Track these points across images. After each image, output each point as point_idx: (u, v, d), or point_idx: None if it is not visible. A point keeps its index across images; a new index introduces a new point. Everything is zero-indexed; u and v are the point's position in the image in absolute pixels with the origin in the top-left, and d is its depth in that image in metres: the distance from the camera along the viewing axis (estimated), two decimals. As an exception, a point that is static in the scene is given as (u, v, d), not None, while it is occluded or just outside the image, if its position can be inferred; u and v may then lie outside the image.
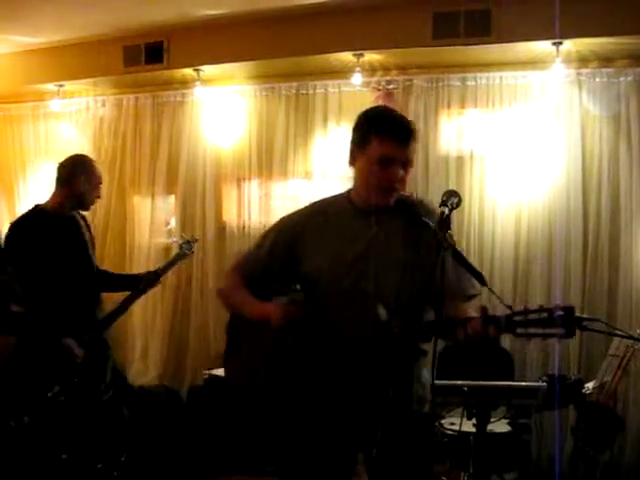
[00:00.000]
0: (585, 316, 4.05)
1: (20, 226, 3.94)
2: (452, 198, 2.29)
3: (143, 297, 6.09)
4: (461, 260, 2.26)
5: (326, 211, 2.57)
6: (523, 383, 3.85)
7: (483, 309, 2.15)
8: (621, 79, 5.03)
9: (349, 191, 2.58)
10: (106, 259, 6.45)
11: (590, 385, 3.93)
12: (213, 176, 6.06)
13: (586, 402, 3.78)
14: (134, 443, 4.76)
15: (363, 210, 2.48)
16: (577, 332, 3.62)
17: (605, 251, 5.06)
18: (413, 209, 2.44)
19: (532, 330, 2.04)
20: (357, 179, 2.52)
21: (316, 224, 2.54)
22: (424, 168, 5.36)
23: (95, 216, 6.45)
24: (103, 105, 6.52)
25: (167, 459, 5.01)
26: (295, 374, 2.43)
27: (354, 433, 2.40)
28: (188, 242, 4.60)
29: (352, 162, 2.51)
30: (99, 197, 4.14)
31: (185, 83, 6.07)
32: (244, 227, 5.97)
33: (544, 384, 3.51)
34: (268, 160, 5.90)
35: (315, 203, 2.69)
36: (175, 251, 4.72)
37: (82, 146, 6.59)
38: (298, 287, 2.58)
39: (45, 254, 3.83)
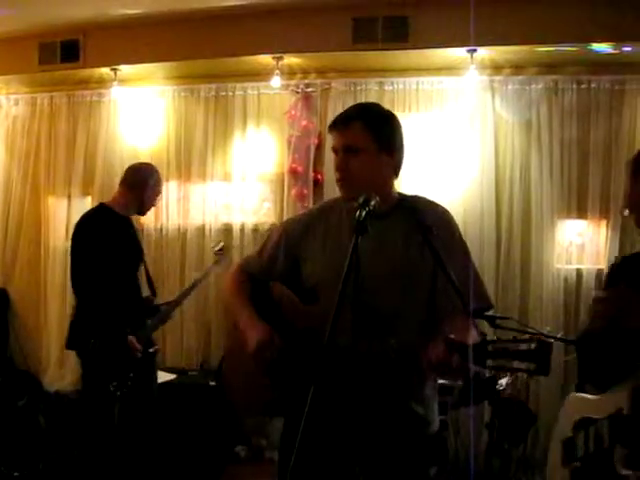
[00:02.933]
0: (498, 315, 4.21)
1: (86, 222, 4.06)
2: (370, 200, 2.17)
3: (59, 298, 5.99)
4: (461, 276, 2.15)
5: (329, 213, 2.46)
6: (439, 381, 3.93)
7: (448, 337, 2.00)
8: (532, 86, 5.23)
9: None
10: (20, 261, 6.31)
11: (504, 382, 4.05)
12: None
13: (500, 398, 3.90)
14: (51, 450, 4.66)
15: (351, 210, 2.25)
16: (491, 330, 3.75)
17: (517, 252, 5.24)
18: (417, 213, 2.31)
19: (500, 362, 1.89)
20: None
21: (317, 227, 2.45)
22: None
23: (8, 217, 6.31)
24: (16, 104, 6.35)
25: (86, 466, 4.91)
26: (289, 384, 2.34)
27: (348, 446, 2.28)
28: (221, 250, 4.69)
29: None
30: (154, 206, 4.28)
31: (102, 82, 5.97)
32: (162, 229, 5.90)
33: (459, 382, 3.60)
34: (187, 162, 5.87)
35: (322, 203, 2.61)
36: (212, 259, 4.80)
37: (-6, 145, 6.42)
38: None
39: (108, 250, 3.92)
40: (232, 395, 2.60)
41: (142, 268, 4.27)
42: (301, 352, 2.32)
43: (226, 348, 2.67)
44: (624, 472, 1.96)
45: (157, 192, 4.21)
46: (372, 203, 2.12)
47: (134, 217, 4.28)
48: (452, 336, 2.00)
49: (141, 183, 4.11)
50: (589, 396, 2.27)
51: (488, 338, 1.93)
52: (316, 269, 2.40)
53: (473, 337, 2.03)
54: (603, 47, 4.78)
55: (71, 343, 4.03)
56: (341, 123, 2.33)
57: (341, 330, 1.98)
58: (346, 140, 2.31)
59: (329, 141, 5.47)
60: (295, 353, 2.34)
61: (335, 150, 2.35)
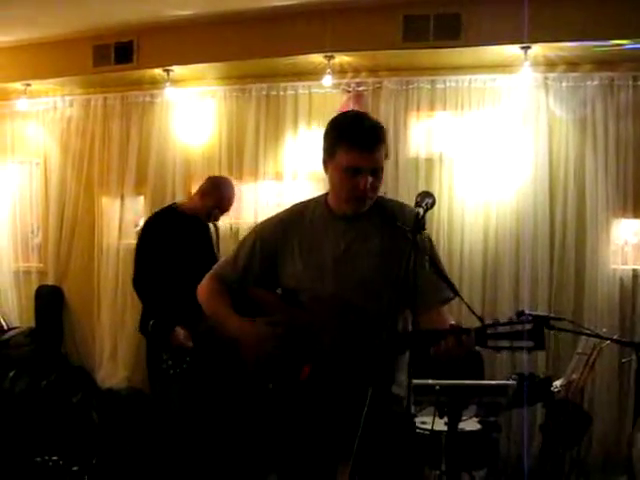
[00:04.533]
0: (552, 315, 4.16)
1: (152, 220, 4.44)
2: (426, 199, 2.27)
3: (111, 296, 6.14)
4: (434, 266, 2.28)
5: (304, 216, 2.52)
6: (493, 382, 3.90)
7: (454, 325, 2.17)
8: (587, 83, 5.13)
9: (326, 195, 2.52)
10: (74, 260, 6.43)
11: (558, 383, 3.98)
12: (183, 177, 6.04)
13: (554, 400, 3.83)
14: (104, 446, 4.73)
15: (339, 215, 2.44)
16: (545, 331, 3.70)
17: (571, 252, 5.15)
18: (389, 212, 2.41)
19: (502, 343, 2.08)
20: (330, 185, 2.47)
21: (294, 229, 2.50)
22: (394, 169, 5.40)
23: (63, 217, 6.43)
24: (71, 105, 6.47)
25: (138, 461, 4.98)
26: (278, 383, 2.42)
27: (334, 443, 2.37)
28: None
29: (325, 169, 2.45)
30: (224, 212, 4.52)
31: (155, 83, 6.04)
32: (215, 229, 5.94)
33: (513, 382, 3.55)
34: (238, 161, 5.90)
35: (294, 207, 2.62)
36: None
37: (49, 146, 6.55)
38: (279, 291, 2.56)
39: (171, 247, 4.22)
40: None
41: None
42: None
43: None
44: None
45: (224, 202, 4.43)
46: (430, 202, 2.26)
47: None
48: (453, 322, 2.18)
49: (205, 193, 4.38)
50: None
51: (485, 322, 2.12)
52: (296, 271, 2.46)
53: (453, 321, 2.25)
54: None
55: (140, 327, 4.37)
56: (371, 147, 2.32)
57: (327, 328, 2.14)
58: (375, 162, 2.33)
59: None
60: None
61: (358, 169, 2.32)
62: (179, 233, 4.23)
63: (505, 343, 2.07)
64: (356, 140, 2.31)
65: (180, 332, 4.10)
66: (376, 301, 2.34)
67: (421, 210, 2.20)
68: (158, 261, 4.16)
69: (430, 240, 2.47)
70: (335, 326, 2.29)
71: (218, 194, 4.33)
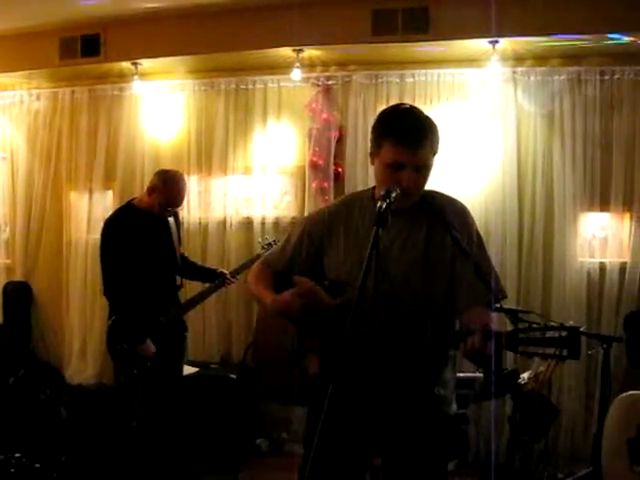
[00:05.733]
0: (520, 309, 4.19)
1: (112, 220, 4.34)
2: (391, 193, 2.23)
3: (80, 292, 6.11)
4: (478, 269, 2.24)
5: (352, 207, 2.50)
6: (460, 374, 3.91)
7: (485, 326, 2.13)
8: (555, 77, 5.17)
9: (374, 187, 2.49)
10: (42, 256, 6.36)
11: (526, 375, 4.02)
12: (151, 171, 5.83)
13: (521, 392, 3.87)
14: (73, 443, 4.70)
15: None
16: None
17: (539, 245, 5.20)
18: (437, 207, 2.37)
19: (534, 349, 2.04)
20: (375, 178, 2.44)
21: (341, 221, 2.48)
22: (363, 164, 5.41)
23: (31, 212, 6.36)
24: (38, 99, 6.39)
25: (107, 458, 4.95)
26: (318, 375, 2.40)
27: (372, 436, 2.33)
28: (269, 244, 4.76)
29: (371, 160, 2.42)
30: (176, 207, 4.41)
31: (123, 77, 5.99)
32: (183, 223, 5.90)
33: (480, 375, 3.58)
34: (207, 155, 5.87)
35: (344, 198, 2.62)
36: (257, 251, 4.92)
37: (16, 140, 6.46)
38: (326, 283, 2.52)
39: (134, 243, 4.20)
40: (261, 381, 2.66)
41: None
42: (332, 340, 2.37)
43: (255, 337, 2.70)
44: None
45: (172, 198, 4.32)
46: (393, 195, 2.19)
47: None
48: (487, 325, 2.11)
49: (162, 190, 4.27)
50: None
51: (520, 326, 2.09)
52: (340, 263, 2.44)
53: (496, 324, 2.16)
54: (624, 37, 4.72)
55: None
56: (416, 144, 2.29)
57: (367, 322, 2.04)
58: (421, 159, 2.31)
59: (351, 134, 5.48)
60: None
61: (402, 165, 2.30)
62: (137, 230, 4.21)
63: (536, 350, 2.04)
64: (401, 136, 2.29)
65: (150, 346, 4.12)
66: (418, 297, 2.32)
67: (384, 204, 2.18)
68: (122, 262, 4.14)
69: (479, 237, 2.45)
70: (377, 320, 2.17)
71: (167, 190, 4.25)
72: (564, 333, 2.00)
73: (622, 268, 5.09)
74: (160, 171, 4.44)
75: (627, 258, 5.09)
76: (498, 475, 4.37)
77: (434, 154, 2.36)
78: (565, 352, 1.99)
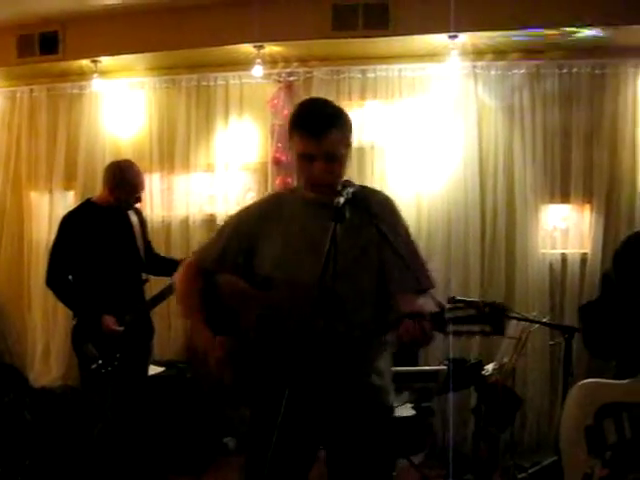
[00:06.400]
0: (483, 300, 4.22)
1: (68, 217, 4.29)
2: (348, 188, 2.27)
3: (42, 292, 6.02)
4: (404, 258, 2.26)
5: (281, 202, 2.54)
6: (424, 367, 3.95)
7: (416, 309, 2.16)
8: (514, 71, 5.22)
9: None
10: (3, 257, 6.27)
11: (490, 367, 4.06)
12: None
13: (485, 383, 3.90)
14: (38, 446, 4.64)
15: (312, 201, 2.44)
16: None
17: (502, 238, 5.26)
18: (361, 199, 2.38)
19: (461, 327, 2.08)
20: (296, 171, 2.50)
21: (271, 216, 2.51)
22: (326, 159, 5.41)
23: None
24: (-5, 98, 6.30)
25: (72, 461, 4.90)
26: (255, 371, 2.41)
27: (312, 428, 2.38)
28: None
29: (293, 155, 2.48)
30: (134, 193, 4.28)
31: (82, 75, 5.90)
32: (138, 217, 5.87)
33: (444, 367, 3.60)
34: (169, 153, 5.83)
35: (272, 194, 2.66)
36: None
37: (-26, 140, 6.35)
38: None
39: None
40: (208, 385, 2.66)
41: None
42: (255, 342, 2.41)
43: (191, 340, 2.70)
44: None
45: (127, 186, 4.24)
46: (351, 191, 2.24)
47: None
48: (413, 308, 2.17)
49: (117, 184, 4.22)
50: (614, 381, 2.25)
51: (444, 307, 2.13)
52: (271, 259, 2.45)
53: (430, 305, 2.21)
54: (582, 31, 4.78)
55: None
56: (320, 133, 2.33)
57: (306, 314, 2.11)
58: (328, 148, 2.33)
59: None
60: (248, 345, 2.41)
61: (311, 155, 2.34)
62: (95, 227, 4.17)
63: (463, 328, 2.07)
64: (306, 126, 2.34)
65: (108, 318, 4.06)
66: (349, 288, 2.32)
67: (342, 199, 2.19)
68: (76, 257, 4.11)
69: (405, 226, 2.47)
70: (310, 312, 2.22)
71: (121, 183, 4.19)
72: (487, 309, 2.05)
73: (583, 259, 5.16)
74: (109, 164, 4.39)
75: (588, 249, 5.17)
76: (465, 466, 4.40)
77: (346, 145, 2.40)
78: (489, 328, 2.04)
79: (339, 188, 2.26)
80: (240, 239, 2.53)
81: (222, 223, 2.77)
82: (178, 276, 2.65)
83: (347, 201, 2.20)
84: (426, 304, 2.23)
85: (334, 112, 2.41)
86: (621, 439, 2.12)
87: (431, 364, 4.72)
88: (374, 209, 2.36)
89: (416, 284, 2.30)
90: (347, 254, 2.32)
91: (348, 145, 2.41)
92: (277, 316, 2.37)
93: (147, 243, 4.55)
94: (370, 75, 5.42)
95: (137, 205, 4.50)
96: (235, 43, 5.24)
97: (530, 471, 4.16)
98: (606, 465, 2.13)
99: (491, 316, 2.05)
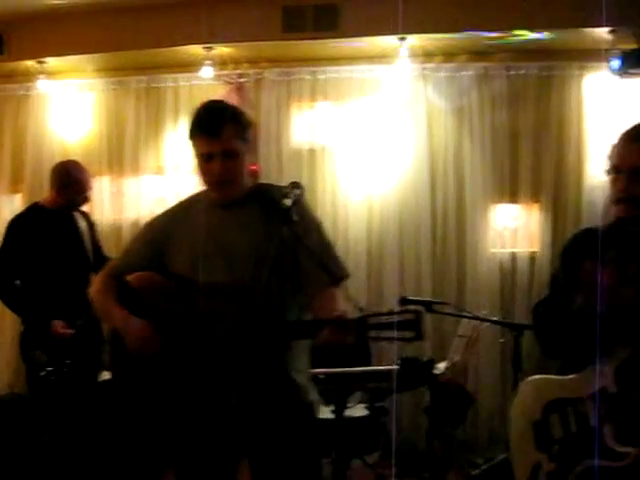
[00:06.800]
0: (436, 300, 4.26)
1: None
2: (295, 190, 2.29)
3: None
4: (315, 253, 2.28)
5: (189, 208, 2.56)
6: (376, 367, 3.96)
7: (337, 315, 2.17)
8: (463, 73, 5.28)
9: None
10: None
11: (442, 366, 4.09)
12: None
13: (437, 382, 3.93)
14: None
15: (217, 203, 2.47)
16: (429, 315, 3.78)
17: (453, 238, 5.31)
18: (269, 199, 2.41)
19: (382, 333, 2.10)
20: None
21: (181, 221, 2.53)
22: (277, 162, 5.43)
23: None
24: (-62, 99, 6.14)
25: (20, 471, 4.80)
26: (168, 376, 2.41)
27: (235, 435, 2.36)
28: None
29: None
30: (80, 193, 4.24)
31: (28, 76, 5.80)
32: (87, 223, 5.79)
33: (396, 367, 3.62)
34: (118, 156, 5.78)
35: (182, 201, 2.65)
36: None
37: None
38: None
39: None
40: None
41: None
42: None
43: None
44: (621, 449, 2.01)
45: (71, 185, 4.21)
46: (298, 192, 2.27)
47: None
48: (338, 315, 2.16)
49: (62, 184, 4.20)
50: (559, 377, 2.28)
51: (366, 313, 2.16)
52: (183, 262, 2.48)
53: (344, 307, 2.26)
54: (527, 33, 4.86)
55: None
56: (214, 131, 2.37)
57: (215, 313, 2.20)
58: (226, 145, 2.37)
59: (264, 131, 5.46)
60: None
61: (209, 155, 2.38)
62: (44, 232, 4.13)
63: (385, 334, 2.10)
64: (201, 127, 2.40)
65: (57, 323, 4.02)
66: (262, 287, 2.31)
67: (289, 201, 2.21)
68: (24, 262, 4.08)
69: (315, 222, 2.48)
70: (219, 312, 2.31)
71: (68, 183, 4.17)
72: (410, 316, 2.08)
73: (532, 257, 5.24)
74: (55, 165, 4.37)
75: (537, 248, 5.25)
76: (420, 464, 4.43)
77: (243, 141, 2.42)
78: (410, 334, 2.07)
79: (287, 190, 2.29)
80: (152, 246, 2.56)
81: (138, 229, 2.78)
82: (93, 288, 2.63)
83: (294, 203, 2.22)
84: (345, 308, 2.25)
85: (228, 109, 2.46)
86: (567, 434, 2.15)
87: (384, 364, 4.74)
88: (285, 207, 2.36)
89: (330, 278, 2.33)
90: (259, 253, 2.34)
91: (246, 141, 2.44)
92: (193, 318, 2.38)
93: (96, 247, 4.48)
94: (320, 77, 5.43)
95: (86, 209, 4.46)
96: (184, 44, 5.21)
97: (483, 467, 4.21)
98: (553, 459, 2.16)
99: (411, 322, 2.08)
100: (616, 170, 2.18)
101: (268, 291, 2.29)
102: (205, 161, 2.39)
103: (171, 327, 2.43)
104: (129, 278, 2.56)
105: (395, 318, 2.10)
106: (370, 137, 5.35)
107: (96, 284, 2.64)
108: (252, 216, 2.44)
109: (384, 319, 2.11)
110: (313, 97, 5.46)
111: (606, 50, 4.78)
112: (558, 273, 2.36)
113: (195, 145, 2.42)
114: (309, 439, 2.48)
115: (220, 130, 2.36)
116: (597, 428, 2.04)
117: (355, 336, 2.14)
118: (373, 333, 2.13)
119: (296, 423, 2.42)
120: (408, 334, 2.07)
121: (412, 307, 2.26)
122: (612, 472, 1.99)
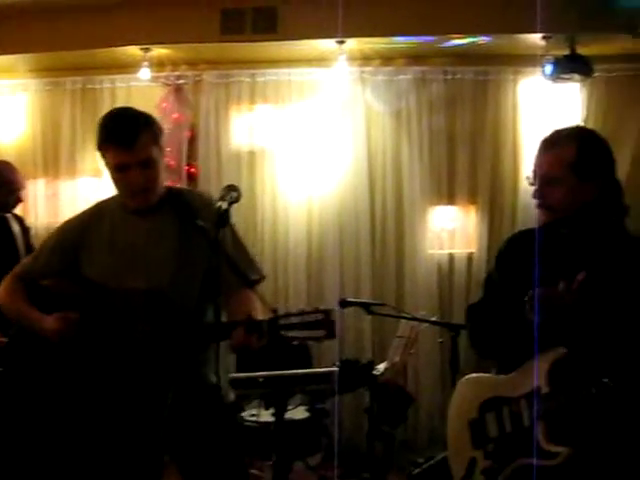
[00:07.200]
0: (373, 301, 4.30)
1: None
2: (231, 192, 2.29)
3: None
4: (230, 257, 2.30)
5: (103, 213, 2.54)
6: (316, 369, 3.97)
7: (247, 317, 2.20)
8: (401, 77, 5.34)
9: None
10: None
11: (382, 366, 4.12)
12: None
13: (377, 383, 3.95)
14: None
15: (132, 210, 2.46)
16: (369, 317, 3.79)
17: (392, 239, 5.36)
18: (186, 205, 2.43)
19: (294, 333, 2.14)
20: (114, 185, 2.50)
21: (94, 226, 2.51)
22: (216, 164, 5.41)
23: None
24: None
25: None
26: (82, 378, 2.40)
27: (152, 433, 2.34)
28: None
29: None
30: (18, 194, 4.19)
31: (-42, 75, 5.66)
32: (30, 228, 5.66)
33: (336, 369, 3.64)
34: (54, 158, 5.66)
35: (95, 205, 2.62)
36: None
37: None
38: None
39: None
40: None
41: None
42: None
43: None
44: (554, 449, 2.03)
45: (12, 190, 4.17)
46: (235, 195, 2.28)
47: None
48: (250, 316, 2.20)
49: None
50: (495, 376, 2.32)
51: (280, 313, 2.22)
52: (97, 266, 2.47)
53: (259, 309, 2.32)
54: (461, 38, 4.95)
55: None
56: (130, 142, 2.33)
57: (130, 319, 2.22)
58: (141, 155, 2.35)
59: (203, 133, 5.41)
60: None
61: (126, 166, 2.34)
62: None
63: (297, 334, 2.14)
64: (114, 138, 2.35)
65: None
66: (176, 292, 2.35)
67: (225, 204, 2.20)
68: None
69: (229, 225, 2.46)
70: (132, 316, 2.31)
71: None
72: (321, 316, 2.13)
73: (469, 258, 5.34)
74: None
75: (474, 249, 5.35)
76: (361, 465, 4.45)
77: (159, 148, 2.42)
78: (321, 333, 2.12)
79: (222, 193, 2.29)
80: (63, 252, 2.54)
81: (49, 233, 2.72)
82: (2, 291, 2.60)
83: (229, 206, 2.23)
84: (259, 310, 2.30)
85: (140, 118, 2.42)
86: (502, 432, 2.19)
87: (324, 366, 4.76)
88: (200, 212, 2.39)
89: (245, 280, 2.36)
90: (175, 258, 2.38)
91: (160, 147, 2.43)
92: (107, 323, 2.37)
93: (31, 251, 4.37)
94: (260, 79, 5.42)
95: (20, 212, 4.38)
96: (121, 45, 5.12)
97: (424, 466, 4.25)
98: (488, 457, 2.20)
99: (321, 322, 2.12)
100: (533, 177, 2.23)
101: (185, 295, 2.32)
102: (119, 171, 2.36)
103: (84, 332, 2.40)
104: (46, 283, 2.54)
105: (306, 318, 2.14)
106: (309, 140, 5.37)
107: (4, 287, 2.60)
108: (166, 222, 2.45)
109: (295, 319, 2.15)
110: (252, 99, 5.44)
111: (540, 55, 4.90)
112: (493, 274, 2.40)
113: (108, 155, 2.37)
114: (229, 439, 2.48)
115: (135, 140, 2.32)
116: (534, 427, 2.08)
117: (267, 337, 2.17)
118: (284, 333, 2.16)
119: (214, 424, 2.42)
120: (320, 333, 2.12)
121: (322, 307, 2.21)
122: (544, 471, 2.03)
